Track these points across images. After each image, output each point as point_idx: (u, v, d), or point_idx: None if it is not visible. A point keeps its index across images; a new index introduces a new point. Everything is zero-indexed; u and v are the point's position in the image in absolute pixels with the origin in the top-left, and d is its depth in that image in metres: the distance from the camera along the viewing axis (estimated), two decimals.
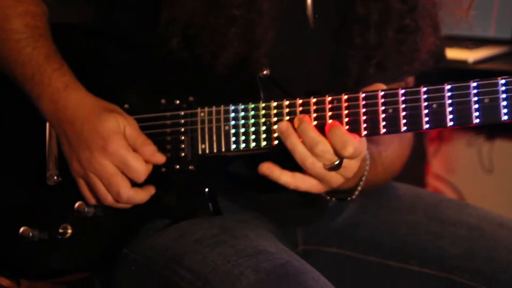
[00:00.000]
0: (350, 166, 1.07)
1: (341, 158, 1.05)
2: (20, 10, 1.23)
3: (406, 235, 1.33)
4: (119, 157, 1.14)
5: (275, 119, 1.12)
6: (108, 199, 1.17)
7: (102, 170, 1.15)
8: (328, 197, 1.25)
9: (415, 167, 2.05)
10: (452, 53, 1.93)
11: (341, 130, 1.04)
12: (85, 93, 1.19)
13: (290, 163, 1.25)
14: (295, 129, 1.07)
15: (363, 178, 1.21)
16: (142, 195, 1.17)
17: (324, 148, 1.04)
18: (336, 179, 1.08)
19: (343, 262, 1.36)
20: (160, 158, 1.18)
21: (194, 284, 1.10)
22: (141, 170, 1.15)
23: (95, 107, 1.18)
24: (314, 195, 1.32)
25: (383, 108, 1.05)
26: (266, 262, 1.07)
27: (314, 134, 1.05)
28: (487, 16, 2.08)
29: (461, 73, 1.54)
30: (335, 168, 1.05)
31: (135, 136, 1.17)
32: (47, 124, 1.25)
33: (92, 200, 1.20)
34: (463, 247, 1.28)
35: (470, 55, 1.99)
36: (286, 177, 1.08)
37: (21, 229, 1.25)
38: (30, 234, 1.25)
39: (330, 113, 1.08)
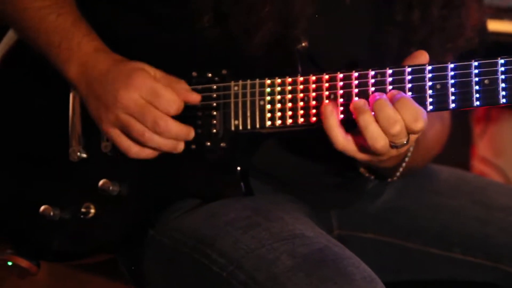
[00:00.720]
0: (406, 147, 1.05)
1: (408, 135, 1.02)
2: None
3: (449, 220, 1.32)
4: (148, 88, 1.13)
5: (314, 94, 1.09)
6: (146, 133, 1.14)
7: (131, 104, 1.13)
8: (368, 175, 1.23)
9: (459, 149, 2.02)
10: (500, 26, 1.92)
11: (413, 102, 1.01)
12: (115, 55, 1.19)
13: (326, 142, 1.25)
14: None
15: (406, 159, 1.19)
16: (180, 125, 1.15)
17: (401, 129, 1.00)
18: (393, 156, 1.06)
19: (380, 248, 1.35)
20: (195, 96, 1.16)
21: (227, 268, 1.08)
22: (172, 99, 1.13)
23: (121, 59, 1.18)
24: (353, 177, 1.32)
25: (430, 83, 1.03)
26: (303, 246, 1.05)
27: (392, 113, 1.00)
28: None
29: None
30: (400, 146, 1.03)
31: (166, 77, 1.16)
32: (70, 100, 1.25)
33: (131, 149, 1.17)
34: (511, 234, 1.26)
35: None
36: (338, 132, 1.04)
37: (42, 208, 1.25)
38: (51, 213, 1.25)
39: (373, 88, 1.05)
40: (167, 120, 1.13)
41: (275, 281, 1.01)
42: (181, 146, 1.16)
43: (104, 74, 1.16)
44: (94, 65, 1.18)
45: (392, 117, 1.00)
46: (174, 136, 1.15)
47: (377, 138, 1.01)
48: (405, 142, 1.02)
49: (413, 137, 1.04)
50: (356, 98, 1.06)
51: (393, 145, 1.02)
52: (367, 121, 1.01)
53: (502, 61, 0.99)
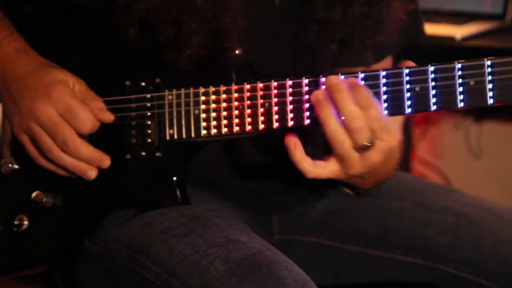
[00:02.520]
0: (375, 155, 1.04)
1: (371, 141, 1.02)
2: None
3: (389, 222, 1.33)
4: (64, 104, 1.13)
5: (248, 102, 1.11)
6: (54, 150, 1.14)
7: (45, 118, 1.13)
8: (350, 192, 1.22)
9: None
10: (439, 29, 1.96)
11: (366, 91, 1.02)
12: (36, 55, 1.19)
13: (265, 148, 1.27)
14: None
15: (383, 185, 1.19)
16: (89, 148, 1.15)
17: (361, 124, 1.01)
18: (358, 165, 1.04)
19: (321, 251, 1.36)
20: (109, 116, 1.16)
21: (161, 276, 1.08)
22: (87, 119, 1.14)
23: (43, 64, 1.17)
24: (293, 182, 1.33)
25: None
26: (237, 251, 1.06)
27: (354, 108, 1.01)
28: None
29: (448, 50, 1.53)
30: (363, 148, 1.02)
31: (84, 91, 1.16)
32: (0, 111, 1.24)
33: (39, 158, 1.18)
34: (450, 235, 1.28)
35: (458, 31, 1.99)
36: (306, 164, 1.05)
37: None
38: None
39: (307, 96, 1.07)
40: (76, 141, 1.13)
41: (208, 287, 1.02)
42: (92, 173, 1.15)
43: (23, 78, 1.16)
44: (14, 67, 1.17)
45: (354, 112, 1.01)
46: (84, 159, 1.15)
47: (336, 131, 1.02)
48: (367, 143, 1.01)
49: (381, 144, 1.03)
50: (291, 106, 1.08)
51: (359, 148, 1.02)
52: (328, 115, 1.02)
53: (432, 68, 1.02)
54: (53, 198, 1.22)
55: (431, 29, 1.58)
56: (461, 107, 1.03)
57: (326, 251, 1.36)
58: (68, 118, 1.13)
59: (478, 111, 2.50)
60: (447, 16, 1.92)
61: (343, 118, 1.02)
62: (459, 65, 1.01)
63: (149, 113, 1.18)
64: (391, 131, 1.03)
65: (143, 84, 1.18)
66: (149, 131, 1.18)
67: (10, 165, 1.23)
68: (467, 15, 2.08)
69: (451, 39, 1.94)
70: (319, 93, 1.03)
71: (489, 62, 1.01)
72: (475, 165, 2.52)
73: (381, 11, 1.22)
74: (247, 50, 1.16)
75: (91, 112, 1.14)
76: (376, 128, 1.02)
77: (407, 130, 2.46)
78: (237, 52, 1.15)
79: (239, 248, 1.07)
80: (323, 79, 1.06)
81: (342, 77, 1.05)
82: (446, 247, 1.28)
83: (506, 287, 1.27)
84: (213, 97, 1.13)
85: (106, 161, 1.16)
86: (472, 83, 1.01)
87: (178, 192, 1.19)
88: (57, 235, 1.24)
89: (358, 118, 1.01)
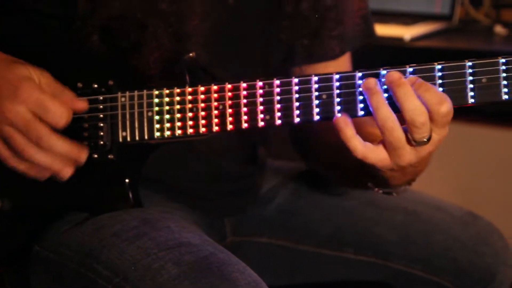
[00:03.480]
0: (427, 147, 1.02)
1: (430, 135, 0.99)
2: None
3: (341, 221, 1.35)
4: (34, 100, 1.09)
5: (202, 104, 1.11)
6: (28, 148, 1.09)
7: (16, 118, 1.08)
8: (377, 189, 1.19)
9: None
10: (388, 30, 1.98)
11: (435, 88, 1.00)
12: None
13: (217, 149, 1.26)
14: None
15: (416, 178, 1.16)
16: (65, 141, 1.11)
17: (425, 119, 0.98)
18: (409, 157, 1.01)
19: (275, 252, 1.37)
20: (82, 105, 1.13)
21: (112, 281, 1.07)
22: (60, 111, 1.09)
23: (4, 61, 1.13)
24: (245, 183, 1.34)
25: (316, 94, 1.06)
26: (189, 254, 1.05)
27: (418, 103, 0.98)
28: None
29: (397, 51, 1.54)
30: (420, 143, 1.00)
31: (51, 84, 1.12)
32: None
33: (10, 159, 1.12)
34: (400, 232, 1.30)
35: (406, 32, 2.00)
36: (356, 141, 1.01)
37: None
38: None
39: (261, 99, 1.07)
40: (51, 136, 1.09)
41: None
42: (68, 170, 1.11)
43: None
44: None
45: (420, 108, 0.97)
46: (61, 154, 1.11)
47: (387, 117, 0.99)
48: (425, 139, 0.99)
49: (435, 137, 1.01)
50: (245, 109, 1.08)
51: (417, 142, 0.99)
52: (379, 102, 0.99)
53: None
54: (1, 201, 1.19)
55: (381, 29, 1.60)
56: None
57: (279, 251, 1.36)
58: (41, 113, 1.09)
59: None
60: (399, 17, 1.98)
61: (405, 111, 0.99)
62: (410, 69, 1.02)
63: (101, 115, 1.16)
64: (446, 125, 1.00)
65: (96, 86, 1.16)
66: (102, 133, 1.17)
67: None
68: (416, 16, 2.11)
69: (400, 39, 1.95)
70: (371, 81, 1.01)
71: (439, 67, 1.01)
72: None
73: (345, 1, 1.24)
74: (210, 52, 1.16)
75: (63, 104, 1.11)
76: (439, 123, 0.99)
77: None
78: (190, 55, 1.14)
79: (191, 251, 1.06)
80: (277, 82, 1.06)
81: (296, 80, 1.05)
82: (396, 245, 1.30)
83: (456, 283, 1.29)
84: (167, 99, 1.13)
85: (83, 155, 1.12)
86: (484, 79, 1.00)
87: (130, 195, 1.18)
88: (6, 240, 1.21)
89: (423, 113, 0.98)
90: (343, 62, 1.33)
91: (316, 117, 1.05)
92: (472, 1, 2.14)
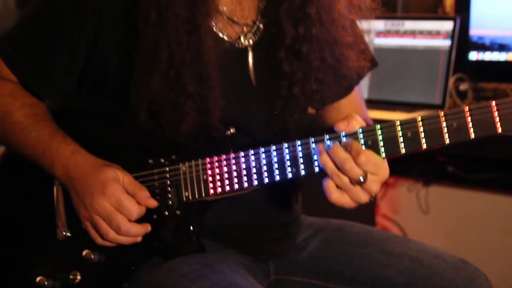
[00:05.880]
0: (372, 185, 1.06)
1: (365, 174, 1.04)
2: (18, 104, 1.20)
3: (360, 265, 1.32)
4: (116, 198, 1.12)
5: (244, 166, 1.12)
6: (110, 233, 1.14)
7: (102, 210, 1.12)
8: None
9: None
10: (396, 116, 1.96)
11: (357, 144, 1.04)
12: (88, 155, 1.18)
13: (262, 205, 1.26)
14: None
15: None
16: (138, 228, 1.14)
17: (352, 164, 1.03)
18: (363, 195, 1.06)
19: None
20: (152, 202, 1.16)
21: None
22: (133, 210, 1.13)
23: (97, 164, 1.16)
24: (286, 234, 1.33)
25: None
26: None
27: (344, 154, 1.04)
28: (434, 87, 2.09)
29: None
30: (359, 182, 1.04)
31: (132, 184, 1.15)
32: (54, 191, 1.23)
33: (99, 239, 1.16)
34: (406, 275, 1.27)
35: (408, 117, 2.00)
36: (336, 192, 1.07)
37: (38, 279, 1.22)
38: (45, 283, 1.21)
39: (287, 157, 1.10)
40: (127, 225, 1.13)
41: None
42: (139, 239, 1.16)
43: (84, 176, 1.15)
44: (75, 167, 1.15)
45: (344, 157, 1.03)
46: (133, 236, 1.15)
47: (333, 170, 1.04)
48: (361, 178, 1.03)
49: (371, 177, 1.04)
50: (276, 165, 1.10)
51: (356, 182, 1.04)
52: (325, 160, 1.05)
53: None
54: (98, 255, 1.20)
55: (390, 116, 1.60)
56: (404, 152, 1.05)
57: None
58: (120, 209, 1.12)
59: (426, 177, 2.51)
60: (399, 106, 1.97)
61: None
62: (398, 122, 1.04)
63: (168, 182, 1.17)
64: (379, 166, 1.04)
65: (162, 160, 1.18)
66: (170, 195, 1.17)
67: (64, 232, 1.22)
68: (415, 105, 2.09)
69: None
70: (320, 146, 1.06)
71: (419, 117, 1.03)
72: (424, 219, 2.49)
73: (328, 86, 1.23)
74: (236, 122, 1.16)
75: (138, 201, 1.14)
76: (368, 168, 1.03)
77: None
78: (232, 131, 1.16)
79: None
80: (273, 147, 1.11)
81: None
82: (404, 285, 1.26)
83: None
84: (216, 164, 1.14)
85: (148, 228, 1.16)
86: (409, 134, 1.04)
87: (194, 242, 1.18)
88: (103, 283, 1.21)
89: (347, 160, 1.03)
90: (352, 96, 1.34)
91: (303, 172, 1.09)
92: (458, 94, 2.12)
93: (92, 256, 1.19)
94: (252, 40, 1.22)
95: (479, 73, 2.07)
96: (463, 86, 2.10)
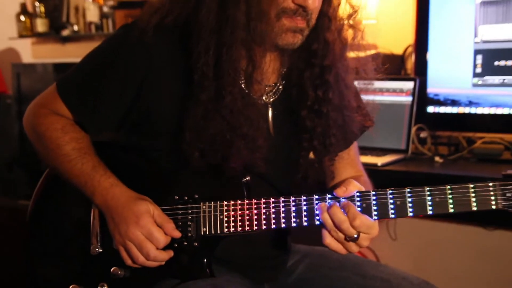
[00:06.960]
0: (363, 241, 1.11)
1: (358, 234, 1.09)
2: (68, 138, 1.23)
3: (340, 286, 1.34)
4: (147, 229, 1.15)
5: (255, 211, 1.16)
6: (140, 258, 1.17)
7: (135, 238, 1.15)
8: None
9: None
10: (367, 159, 2.01)
11: (354, 208, 1.09)
12: (125, 188, 1.20)
13: (261, 240, 1.29)
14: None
15: None
16: (164, 255, 1.18)
17: (348, 225, 1.08)
18: (354, 247, 1.12)
19: None
20: (177, 233, 1.19)
21: None
22: (161, 239, 1.16)
23: (132, 197, 1.19)
24: (279, 261, 1.36)
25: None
26: None
27: (342, 216, 1.09)
28: (400, 135, 2.14)
29: (373, 172, 1.56)
30: (353, 240, 1.09)
31: (161, 216, 1.19)
32: (92, 213, 1.25)
33: (129, 261, 1.19)
34: None
35: (379, 160, 2.02)
36: (331, 239, 1.12)
37: (71, 286, 1.25)
38: None
39: (293, 208, 1.15)
40: (155, 253, 1.16)
41: None
42: (162, 263, 1.19)
43: (120, 207, 1.18)
44: (113, 198, 1.18)
45: (342, 219, 1.07)
46: (159, 261, 1.19)
47: (331, 227, 1.09)
48: (355, 236, 1.08)
49: (363, 235, 1.09)
50: (283, 214, 1.14)
51: (349, 239, 1.09)
52: (325, 218, 1.09)
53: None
54: (124, 272, 1.23)
55: (363, 159, 1.59)
56: (392, 217, 1.11)
57: None
58: (150, 238, 1.16)
59: None
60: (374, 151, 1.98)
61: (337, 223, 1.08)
62: (390, 191, 1.10)
63: (190, 217, 1.20)
64: (371, 228, 1.09)
65: (186, 198, 1.21)
66: (190, 229, 1.20)
67: (97, 249, 1.24)
68: (386, 150, 2.12)
69: (374, 165, 1.98)
70: (323, 205, 1.11)
71: (407, 190, 1.10)
72: (393, 245, 2.48)
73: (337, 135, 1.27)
74: (268, 162, 1.17)
75: (165, 232, 1.17)
76: (361, 230, 1.09)
77: None
78: (247, 178, 1.19)
79: None
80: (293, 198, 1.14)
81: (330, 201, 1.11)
82: None
83: None
84: (232, 207, 1.17)
85: (171, 254, 1.19)
86: (398, 202, 1.10)
87: (207, 269, 1.21)
88: None
89: (344, 222, 1.08)
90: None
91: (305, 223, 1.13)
92: (419, 140, 2.17)
93: (119, 272, 1.21)
94: (272, 98, 1.25)
95: (436, 123, 2.14)
96: (423, 134, 2.17)
